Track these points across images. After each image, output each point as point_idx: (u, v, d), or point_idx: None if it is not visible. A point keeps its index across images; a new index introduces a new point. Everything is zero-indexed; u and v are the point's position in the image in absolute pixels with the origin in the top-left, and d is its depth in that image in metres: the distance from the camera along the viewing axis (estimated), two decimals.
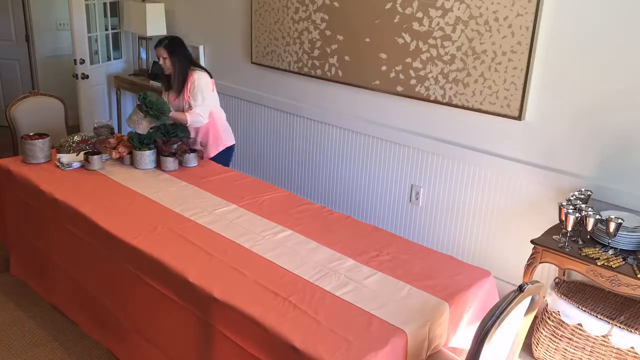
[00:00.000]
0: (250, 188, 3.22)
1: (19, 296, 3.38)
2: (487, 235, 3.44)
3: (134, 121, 3.53)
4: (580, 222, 2.71)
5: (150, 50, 5.37)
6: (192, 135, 3.72)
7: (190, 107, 3.61)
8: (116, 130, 4.85)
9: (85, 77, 4.94)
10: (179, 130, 3.57)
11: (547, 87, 3.05)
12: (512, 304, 1.91)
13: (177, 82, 3.61)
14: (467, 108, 3.34)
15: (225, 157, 3.80)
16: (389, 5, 3.55)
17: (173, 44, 3.59)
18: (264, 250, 2.53)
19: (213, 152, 3.75)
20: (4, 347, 2.94)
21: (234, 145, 3.91)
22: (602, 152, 2.93)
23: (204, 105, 3.60)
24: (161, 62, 3.59)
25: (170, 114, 3.53)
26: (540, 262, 2.78)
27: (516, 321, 2.12)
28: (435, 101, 3.47)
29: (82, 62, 4.89)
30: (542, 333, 2.91)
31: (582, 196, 2.85)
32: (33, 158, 3.37)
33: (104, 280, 2.79)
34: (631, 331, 2.59)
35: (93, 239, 2.76)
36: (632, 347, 2.60)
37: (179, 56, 3.59)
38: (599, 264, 2.56)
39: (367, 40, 3.71)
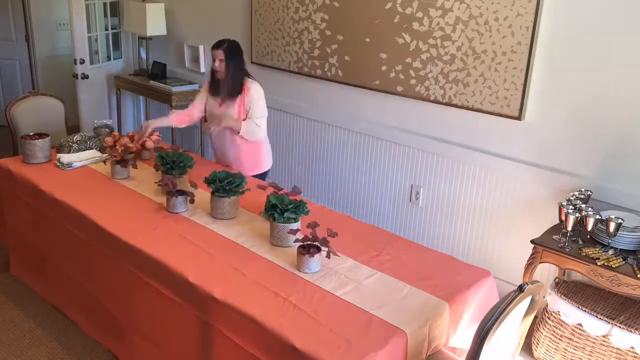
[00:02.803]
0: (250, 188, 3.21)
1: (19, 296, 3.38)
2: (487, 235, 3.44)
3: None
4: (580, 222, 2.71)
5: (150, 50, 5.37)
6: (232, 154, 3.51)
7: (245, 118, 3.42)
8: (116, 130, 4.85)
9: (85, 77, 4.94)
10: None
11: (547, 87, 3.05)
12: (512, 304, 1.91)
13: (227, 88, 3.38)
14: (467, 108, 3.34)
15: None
16: (389, 5, 3.55)
17: (232, 49, 3.38)
18: (263, 250, 2.53)
19: (249, 172, 3.48)
20: (4, 347, 2.94)
21: (269, 170, 3.71)
22: (602, 152, 2.93)
23: (263, 118, 3.42)
24: (217, 64, 3.36)
25: (225, 120, 3.34)
26: (540, 262, 2.78)
27: (516, 321, 2.12)
28: (435, 101, 3.47)
29: (82, 62, 4.89)
30: (542, 333, 2.91)
31: (582, 196, 2.85)
32: (33, 158, 3.37)
33: (104, 280, 2.79)
34: (631, 331, 2.59)
35: (93, 238, 2.76)
36: (632, 347, 2.60)
37: (235, 62, 3.38)
38: (599, 264, 2.56)
39: (367, 40, 3.71)
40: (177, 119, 3.61)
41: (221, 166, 3.50)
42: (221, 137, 3.52)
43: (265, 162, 3.67)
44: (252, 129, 3.38)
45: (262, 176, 3.64)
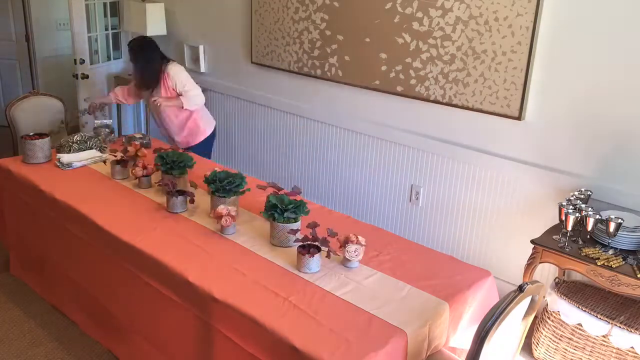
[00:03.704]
0: (250, 188, 3.21)
1: (19, 296, 3.38)
2: (487, 235, 3.44)
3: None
4: (580, 222, 2.71)
5: None
6: (175, 128, 3.92)
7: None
8: (116, 131, 4.85)
9: (85, 77, 4.93)
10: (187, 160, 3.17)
11: (547, 87, 3.05)
12: (512, 304, 1.91)
13: (142, 83, 3.84)
14: (467, 108, 3.34)
15: (206, 145, 3.98)
16: (389, 5, 3.55)
17: (136, 47, 3.78)
18: (263, 250, 2.53)
19: (193, 141, 3.94)
20: (4, 347, 2.94)
21: (214, 132, 4.09)
22: (602, 151, 2.93)
23: (197, 89, 3.85)
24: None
25: (161, 100, 3.74)
26: (540, 262, 2.78)
27: (516, 321, 2.12)
28: (435, 101, 3.47)
29: (82, 62, 4.89)
30: (542, 333, 2.91)
31: (582, 196, 2.85)
32: (33, 158, 3.37)
33: (104, 280, 2.79)
34: (631, 331, 2.59)
35: (93, 239, 2.77)
36: (632, 347, 2.60)
37: (142, 60, 3.77)
38: (599, 264, 2.56)
39: (367, 40, 3.71)
40: (122, 97, 4.13)
41: (219, 166, 3.50)
42: (158, 117, 3.97)
43: (208, 127, 4.04)
44: (192, 100, 3.81)
45: (209, 140, 4.04)
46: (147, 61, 3.77)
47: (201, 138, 3.99)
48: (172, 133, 3.98)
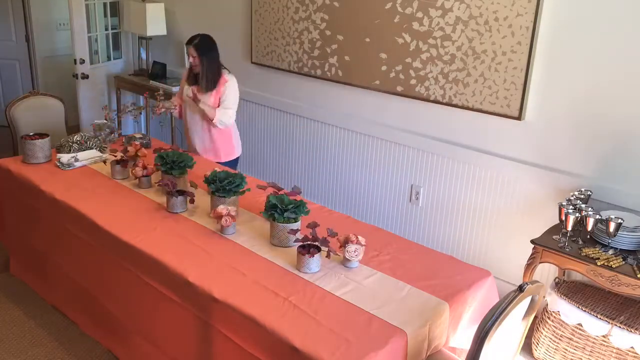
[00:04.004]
0: (250, 188, 3.21)
1: (19, 296, 3.38)
2: (487, 235, 3.44)
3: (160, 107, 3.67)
4: (580, 222, 2.71)
5: (150, 50, 5.38)
6: (208, 142, 3.74)
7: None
8: (116, 131, 4.85)
9: (85, 77, 4.94)
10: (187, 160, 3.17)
11: (547, 87, 3.05)
12: (512, 304, 1.91)
13: (206, 81, 3.55)
14: (467, 108, 3.34)
15: (231, 166, 3.78)
16: (389, 5, 3.55)
17: (204, 44, 3.54)
18: (263, 250, 2.53)
19: (224, 158, 3.78)
20: (4, 347, 2.94)
21: (239, 157, 3.96)
22: (602, 152, 2.93)
23: (234, 109, 3.67)
24: (191, 60, 3.55)
25: (202, 103, 3.55)
26: (540, 262, 2.78)
27: (516, 321, 2.12)
28: (435, 101, 3.47)
29: (82, 62, 4.89)
30: (542, 333, 2.91)
31: (582, 196, 2.85)
32: (33, 158, 3.37)
33: (104, 280, 2.79)
34: (631, 331, 2.59)
35: (93, 239, 2.77)
36: (632, 347, 2.60)
37: (209, 56, 3.54)
38: (599, 264, 2.56)
39: (367, 40, 3.71)
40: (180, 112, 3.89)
41: (219, 166, 3.51)
42: (196, 126, 3.72)
43: (237, 148, 3.88)
44: (224, 118, 3.60)
45: (235, 162, 3.86)
46: (215, 60, 3.58)
47: (229, 157, 3.81)
48: (202, 141, 3.75)
